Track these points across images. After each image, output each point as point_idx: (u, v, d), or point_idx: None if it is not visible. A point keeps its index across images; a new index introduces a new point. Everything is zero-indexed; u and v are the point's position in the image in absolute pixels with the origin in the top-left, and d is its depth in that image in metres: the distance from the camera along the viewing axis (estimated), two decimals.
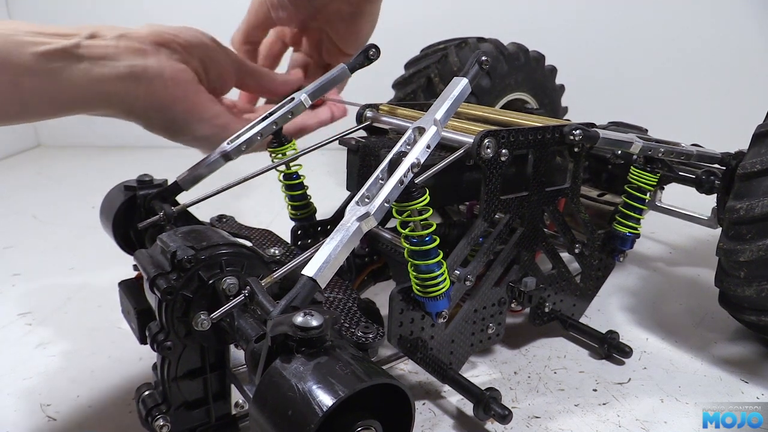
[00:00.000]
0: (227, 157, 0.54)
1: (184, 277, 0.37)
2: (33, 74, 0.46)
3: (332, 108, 0.70)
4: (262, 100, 0.74)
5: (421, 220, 0.42)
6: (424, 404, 0.51)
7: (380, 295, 0.62)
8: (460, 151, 0.47)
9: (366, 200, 0.39)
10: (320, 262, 0.35)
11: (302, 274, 0.35)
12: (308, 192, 0.60)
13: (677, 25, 1.53)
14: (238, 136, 0.54)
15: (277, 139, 0.57)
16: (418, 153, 0.40)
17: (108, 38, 0.50)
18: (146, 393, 0.42)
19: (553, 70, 1.05)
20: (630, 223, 0.59)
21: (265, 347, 0.31)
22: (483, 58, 0.46)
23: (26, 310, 0.69)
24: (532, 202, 0.52)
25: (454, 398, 0.52)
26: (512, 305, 0.55)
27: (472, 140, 0.46)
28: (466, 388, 0.47)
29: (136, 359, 0.57)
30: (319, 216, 0.62)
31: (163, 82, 0.53)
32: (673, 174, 0.73)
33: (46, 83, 0.47)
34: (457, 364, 0.52)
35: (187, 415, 0.42)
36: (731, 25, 1.51)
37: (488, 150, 0.46)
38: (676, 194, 0.81)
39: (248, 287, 0.36)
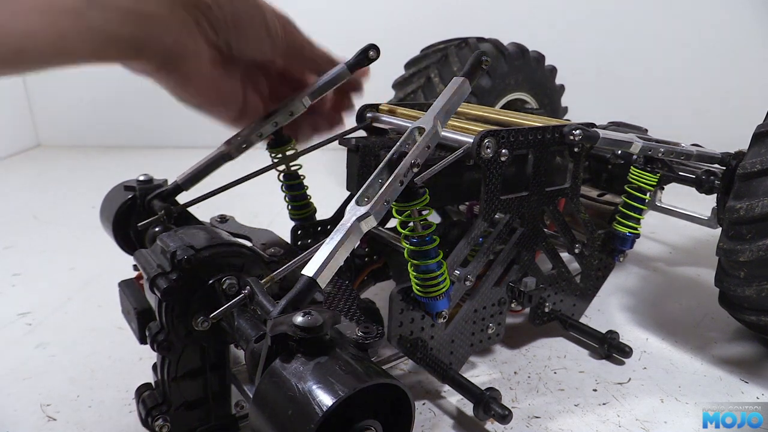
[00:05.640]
0: (227, 157, 0.54)
1: (184, 277, 0.37)
2: (72, 12, 0.46)
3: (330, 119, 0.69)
4: None
5: (421, 220, 0.42)
6: (424, 404, 0.51)
7: (380, 295, 0.62)
8: (460, 151, 0.47)
9: (366, 200, 0.39)
10: (320, 262, 0.35)
11: (302, 274, 0.35)
12: (308, 192, 0.60)
13: (677, 25, 1.53)
14: (238, 136, 0.54)
15: (277, 139, 0.57)
16: (417, 153, 0.40)
17: None
18: (146, 393, 0.42)
19: (553, 70, 1.06)
20: (630, 223, 0.59)
21: (265, 347, 0.31)
22: (483, 58, 0.46)
23: (26, 310, 0.69)
24: (532, 202, 0.52)
25: (454, 398, 0.52)
26: (512, 305, 0.55)
27: (472, 140, 0.46)
28: (466, 388, 0.47)
29: (136, 359, 0.57)
30: (319, 216, 0.62)
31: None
32: (673, 174, 0.72)
33: (86, 22, 0.47)
34: (457, 364, 0.52)
35: (187, 415, 0.42)
36: (731, 25, 1.51)
37: (488, 150, 0.46)
38: (676, 194, 0.81)
39: (248, 287, 0.36)
